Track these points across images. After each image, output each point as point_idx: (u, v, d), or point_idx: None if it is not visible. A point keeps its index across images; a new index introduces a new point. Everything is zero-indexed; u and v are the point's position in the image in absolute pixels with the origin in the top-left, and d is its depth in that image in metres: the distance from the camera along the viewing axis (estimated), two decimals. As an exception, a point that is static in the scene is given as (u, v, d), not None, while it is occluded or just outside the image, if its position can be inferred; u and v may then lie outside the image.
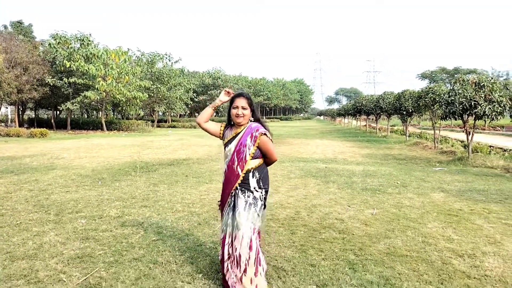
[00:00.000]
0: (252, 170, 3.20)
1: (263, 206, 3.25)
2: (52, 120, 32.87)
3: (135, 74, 30.58)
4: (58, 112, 36.57)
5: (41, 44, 32.08)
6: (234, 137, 3.27)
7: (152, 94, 35.25)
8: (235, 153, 3.21)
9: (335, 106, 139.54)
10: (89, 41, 28.63)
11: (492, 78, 11.24)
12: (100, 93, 27.36)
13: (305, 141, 21.03)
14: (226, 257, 3.19)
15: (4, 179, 8.22)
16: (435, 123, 16.06)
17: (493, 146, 14.02)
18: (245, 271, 3.10)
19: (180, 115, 54.96)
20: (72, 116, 34.49)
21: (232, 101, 3.27)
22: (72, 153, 13.57)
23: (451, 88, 11.92)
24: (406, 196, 6.79)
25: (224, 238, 3.23)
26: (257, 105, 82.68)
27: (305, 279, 3.44)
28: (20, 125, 30.42)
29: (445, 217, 5.49)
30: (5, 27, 39.30)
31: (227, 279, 3.19)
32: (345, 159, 12.57)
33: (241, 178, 3.18)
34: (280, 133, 29.71)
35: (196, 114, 64.86)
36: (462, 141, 16.29)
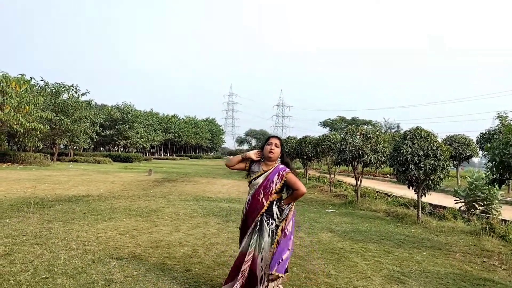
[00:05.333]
0: (274, 200, 3.87)
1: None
2: None
3: (37, 105, 28.83)
4: None
5: None
6: (262, 174, 3.93)
7: (54, 126, 33.37)
8: (262, 187, 3.87)
9: (245, 146, 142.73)
10: (-14, 65, 26.67)
11: (377, 131, 12.72)
12: (-5, 122, 25.30)
13: (212, 180, 21.34)
14: (240, 274, 3.72)
15: None
16: (331, 168, 17.43)
17: (379, 192, 15.56)
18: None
19: (84, 149, 52.28)
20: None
21: (267, 139, 4.00)
22: (-45, 185, 12.39)
23: (343, 137, 13.21)
24: (298, 236, 7.35)
25: (243, 255, 3.79)
26: (167, 142, 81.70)
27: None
28: None
29: (328, 255, 6.10)
30: None
31: None
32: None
33: (265, 207, 3.82)
34: (187, 171, 29.70)
35: (101, 148, 62.10)
36: (354, 186, 17.78)
